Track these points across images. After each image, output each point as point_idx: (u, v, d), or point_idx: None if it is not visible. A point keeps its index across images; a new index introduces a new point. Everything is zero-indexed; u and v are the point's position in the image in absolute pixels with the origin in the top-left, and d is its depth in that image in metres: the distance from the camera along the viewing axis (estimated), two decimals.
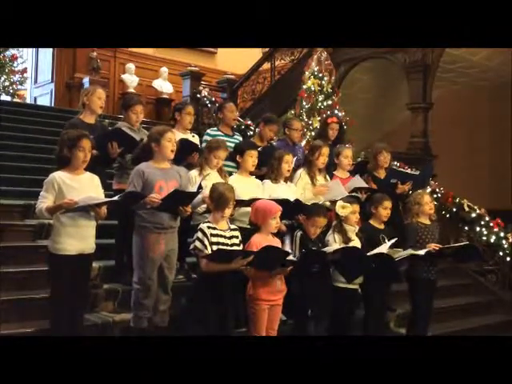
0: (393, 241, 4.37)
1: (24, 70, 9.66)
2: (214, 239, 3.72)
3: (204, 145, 4.87)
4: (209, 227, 3.74)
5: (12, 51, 9.42)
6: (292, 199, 4.31)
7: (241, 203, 4.21)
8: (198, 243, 3.69)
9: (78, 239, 3.65)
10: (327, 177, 5.17)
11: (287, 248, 4.24)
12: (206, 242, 3.68)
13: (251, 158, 4.59)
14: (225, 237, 3.78)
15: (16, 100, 9.46)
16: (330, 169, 5.33)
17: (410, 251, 4.48)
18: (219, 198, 3.79)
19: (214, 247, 3.70)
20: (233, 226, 3.93)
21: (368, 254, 4.27)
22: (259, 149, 4.93)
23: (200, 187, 3.94)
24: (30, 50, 10.78)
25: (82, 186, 3.67)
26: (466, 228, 7.08)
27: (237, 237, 3.87)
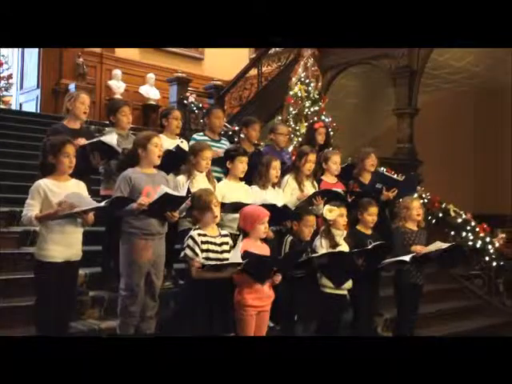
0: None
1: (9, 76, 9.62)
2: (205, 246, 3.69)
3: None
4: (199, 234, 3.70)
5: None
6: (280, 204, 4.32)
7: (224, 206, 4.21)
8: (188, 251, 3.65)
9: (65, 246, 3.61)
10: (314, 182, 5.18)
11: None
12: (197, 250, 3.64)
13: (241, 164, 4.59)
14: (215, 243, 3.76)
15: (1, 106, 9.40)
16: (317, 174, 5.35)
17: (395, 258, 4.51)
18: (199, 203, 3.78)
19: (205, 254, 3.67)
20: (223, 232, 3.90)
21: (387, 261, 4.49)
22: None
23: (189, 191, 3.92)
24: (16, 55, 10.73)
25: (68, 192, 3.63)
26: (453, 233, 7.12)
27: (227, 243, 3.84)
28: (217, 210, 3.81)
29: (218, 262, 3.67)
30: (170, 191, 3.78)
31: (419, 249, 4.60)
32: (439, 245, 4.61)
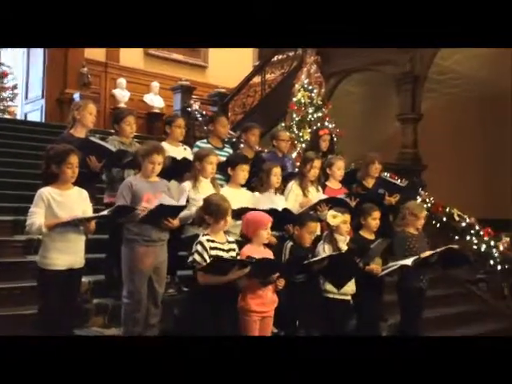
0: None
1: (14, 86, 9.70)
2: (213, 252, 3.67)
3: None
4: (208, 240, 3.69)
5: (3, 68, 9.46)
6: (280, 208, 4.32)
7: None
8: (197, 256, 3.63)
9: (68, 254, 3.63)
10: (319, 188, 5.20)
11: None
12: (206, 256, 3.62)
13: (242, 173, 4.60)
14: (223, 250, 3.74)
15: (6, 116, 9.47)
16: (321, 179, 5.36)
17: (398, 263, 4.51)
18: (217, 210, 3.74)
19: None
20: (230, 239, 3.88)
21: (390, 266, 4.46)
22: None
23: (187, 201, 3.94)
24: (20, 66, 10.81)
25: (71, 200, 3.67)
26: (457, 237, 7.10)
27: (234, 249, 3.83)
28: (229, 218, 3.82)
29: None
30: (167, 202, 3.81)
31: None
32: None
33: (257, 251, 3.88)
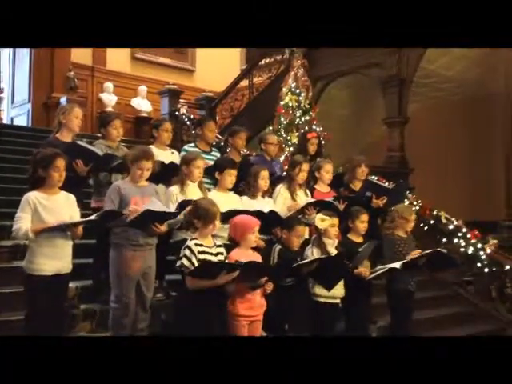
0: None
1: (0, 91, 9.61)
2: (202, 256, 3.67)
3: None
4: (196, 244, 3.68)
5: None
6: (266, 210, 4.32)
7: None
8: (185, 261, 3.63)
9: (55, 259, 3.59)
10: (307, 191, 5.20)
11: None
12: (194, 260, 3.62)
13: (230, 178, 4.59)
14: (211, 253, 3.74)
15: None
16: (310, 183, 5.37)
17: (386, 266, 4.52)
18: (205, 214, 3.74)
19: None
20: (218, 243, 3.88)
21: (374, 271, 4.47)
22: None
23: (178, 207, 3.93)
24: (6, 70, 10.74)
25: (58, 205, 3.64)
26: (444, 240, 7.14)
27: (222, 253, 3.83)
28: (217, 222, 3.81)
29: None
30: (156, 208, 3.79)
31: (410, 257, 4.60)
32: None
33: (245, 255, 3.88)
